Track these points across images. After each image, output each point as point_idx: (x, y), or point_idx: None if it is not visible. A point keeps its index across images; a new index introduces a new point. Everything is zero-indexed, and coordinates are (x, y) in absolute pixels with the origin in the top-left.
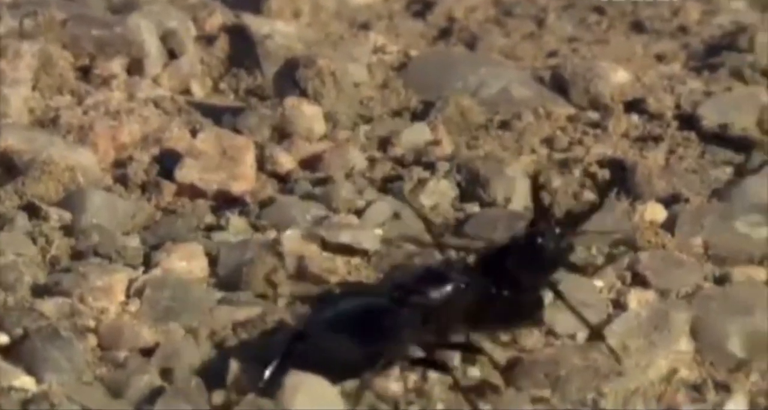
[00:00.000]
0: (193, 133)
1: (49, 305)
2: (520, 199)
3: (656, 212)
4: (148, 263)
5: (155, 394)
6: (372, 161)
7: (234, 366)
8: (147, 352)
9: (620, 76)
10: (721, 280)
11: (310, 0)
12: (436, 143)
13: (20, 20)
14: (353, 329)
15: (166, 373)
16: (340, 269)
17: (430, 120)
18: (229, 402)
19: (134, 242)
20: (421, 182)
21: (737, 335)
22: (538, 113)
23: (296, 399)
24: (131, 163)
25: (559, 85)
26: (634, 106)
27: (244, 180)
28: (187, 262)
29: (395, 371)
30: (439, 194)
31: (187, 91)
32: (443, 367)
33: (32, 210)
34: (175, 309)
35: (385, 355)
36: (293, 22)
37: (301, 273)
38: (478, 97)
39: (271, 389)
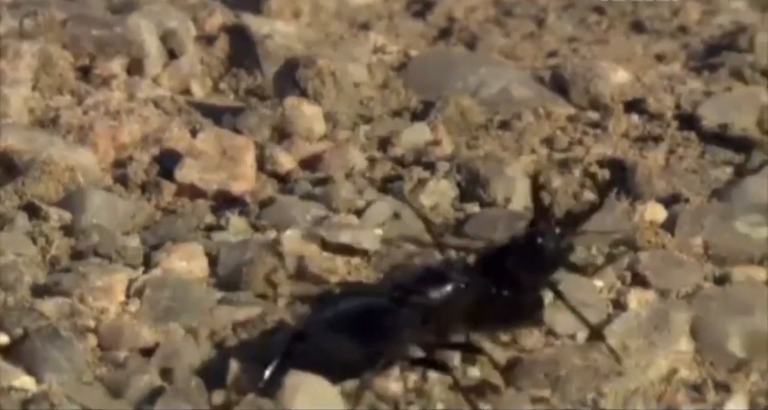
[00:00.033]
0: (193, 133)
1: (49, 305)
2: (520, 199)
3: (656, 212)
4: (148, 263)
5: (155, 394)
6: (372, 161)
7: (234, 366)
8: (147, 352)
9: (620, 76)
10: (721, 280)
11: (310, 0)
12: (436, 143)
13: (20, 20)
14: (353, 329)
15: (166, 373)
16: (340, 269)
17: (430, 120)
18: (229, 402)
19: (134, 242)
20: (421, 182)
21: (737, 335)
22: (538, 112)
23: (296, 399)
24: (131, 163)
25: (559, 85)
26: (634, 106)
27: (244, 180)
28: (187, 262)
29: (395, 371)
30: (439, 194)
31: (187, 91)
32: (443, 367)
33: (32, 210)
34: (175, 308)
35: (385, 355)
36: (293, 22)
37: (301, 273)
38: (478, 97)
39: (271, 389)
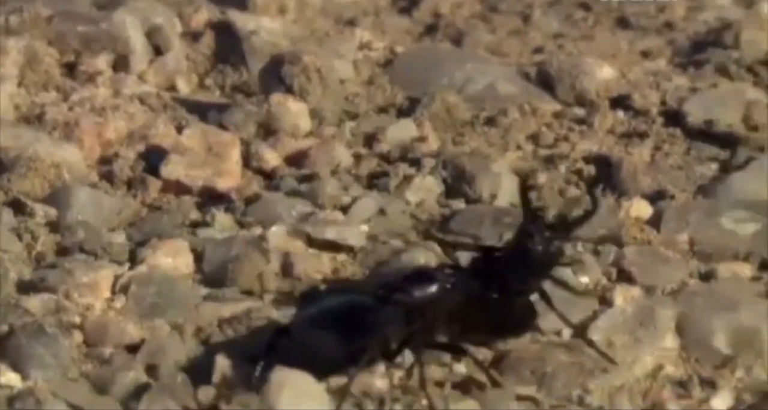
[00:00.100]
0: (179, 129)
1: (34, 302)
2: (506, 195)
3: (642, 209)
4: (133, 260)
5: (141, 390)
6: (358, 158)
7: (220, 362)
8: (132, 348)
9: (606, 72)
10: (706, 276)
11: None
12: (421, 139)
13: (6, 17)
14: (337, 326)
15: (151, 369)
16: (325, 266)
17: (415, 116)
18: (215, 398)
19: (120, 238)
20: (407, 179)
21: (723, 331)
22: (523, 109)
23: (282, 395)
24: (117, 159)
25: (545, 81)
26: (619, 102)
27: (230, 177)
28: (172, 258)
29: (380, 368)
30: (424, 190)
31: (172, 88)
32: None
33: (18, 206)
34: (161, 305)
35: (368, 352)
36: (279, 19)
37: (286, 270)
38: (464, 93)
39: (257, 385)
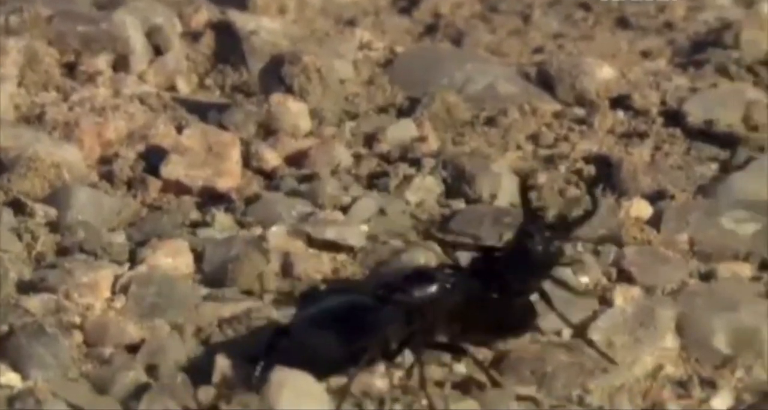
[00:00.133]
0: (179, 129)
1: (34, 302)
2: (506, 195)
3: (642, 209)
4: (133, 260)
5: (141, 390)
6: (358, 158)
7: (220, 362)
8: (132, 348)
9: (606, 72)
10: (706, 276)
11: None
12: (421, 139)
13: (6, 17)
14: (337, 325)
15: (151, 369)
16: (325, 266)
17: (415, 116)
18: (215, 398)
19: (120, 238)
20: (407, 179)
21: (723, 331)
22: (523, 109)
23: (282, 395)
24: (117, 159)
25: (545, 81)
26: (619, 102)
27: (230, 177)
28: (172, 258)
29: (380, 368)
30: (424, 190)
31: (172, 88)
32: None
33: (18, 206)
34: (161, 305)
35: (368, 352)
36: (279, 19)
37: (286, 270)
38: (464, 93)
39: (257, 385)
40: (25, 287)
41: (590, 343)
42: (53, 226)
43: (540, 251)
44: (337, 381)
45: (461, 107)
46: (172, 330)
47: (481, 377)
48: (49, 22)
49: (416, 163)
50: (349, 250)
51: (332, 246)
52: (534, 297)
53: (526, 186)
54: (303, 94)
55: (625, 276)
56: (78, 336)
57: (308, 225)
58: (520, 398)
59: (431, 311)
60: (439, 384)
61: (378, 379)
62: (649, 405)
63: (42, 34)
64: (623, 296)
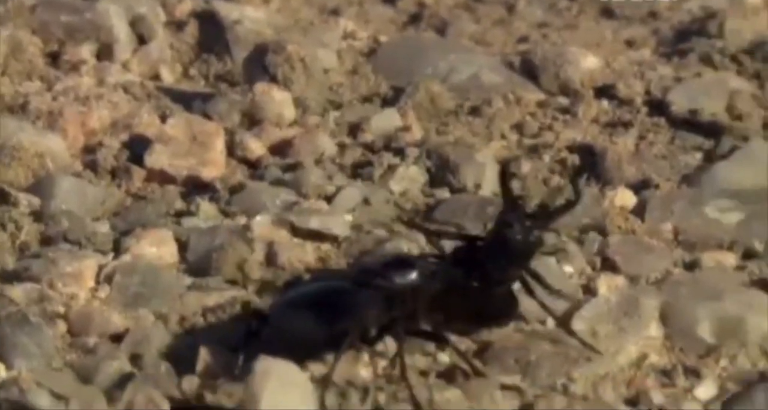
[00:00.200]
0: (163, 118)
1: (18, 291)
2: (490, 185)
3: (626, 198)
4: (117, 249)
5: (125, 380)
6: (342, 147)
7: (204, 351)
8: (117, 338)
9: (590, 61)
10: (690, 265)
11: None
12: (405, 128)
13: None
14: (314, 308)
15: (135, 359)
16: (309, 255)
17: (400, 106)
18: (199, 387)
19: (104, 228)
20: (391, 168)
21: (707, 320)
22: (508, 98)
23: (266, 385)
24: (101, 149)
25: (529, 70)
26: (604, 91)
27: (214, 166)
28: (156, 248)
29: (364, 357)
30: (408, 179)
31: (156, 77)
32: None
33: (1, 196)
34: (145, 294)
35: (349, 335)
36: (263, 8)
37: (270, 259)
38: (448, 83)
39: (241, 375)
40: (9, 277)
41: (572, 333)
42: (37, 215)
43: (519, 240)
44: (321, 369)
45: (445, 96)
46: (156, 319)
47: (465, 366)
48: (33, 12)
49: (400, 152)
50: (333, 239)
51: (316, 236)
52: (517, 287)
53: (506, 174)
54: (287, 84)
55: (609, 265)
56: (62, 326)
57: (292, 215)
58: (504, 387)
59: (412, 298)
60: (424, 374)
61: (362, 368)
62: (633, 393)
63: (25, 23)
64: (607, 286)
